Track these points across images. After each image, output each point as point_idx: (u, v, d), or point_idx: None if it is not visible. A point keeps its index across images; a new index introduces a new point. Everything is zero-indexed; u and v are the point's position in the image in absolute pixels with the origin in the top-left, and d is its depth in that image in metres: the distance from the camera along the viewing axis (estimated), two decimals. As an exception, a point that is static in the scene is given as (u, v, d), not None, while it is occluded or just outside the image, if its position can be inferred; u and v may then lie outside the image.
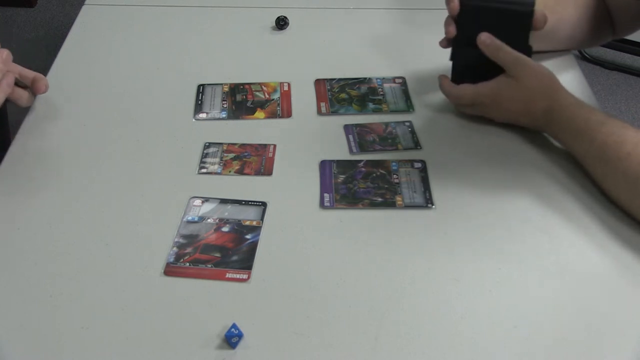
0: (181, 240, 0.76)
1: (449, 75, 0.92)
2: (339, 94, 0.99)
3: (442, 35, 0.90)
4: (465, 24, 0.88)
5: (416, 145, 0.90)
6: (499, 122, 0.90)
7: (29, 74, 0.91)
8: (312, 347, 0.66)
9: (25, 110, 0.91)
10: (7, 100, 0.87)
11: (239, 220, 0.79)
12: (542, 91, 0.85)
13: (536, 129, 0.88)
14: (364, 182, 0.84)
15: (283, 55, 1.07)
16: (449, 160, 0.87)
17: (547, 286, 0.72)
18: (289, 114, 0.96)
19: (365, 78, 1.02)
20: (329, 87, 1.00)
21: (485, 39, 0.86)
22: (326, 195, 0.82)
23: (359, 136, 0.91)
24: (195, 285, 0.72)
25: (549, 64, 0.91)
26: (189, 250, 0.75)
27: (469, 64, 0.89)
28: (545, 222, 0.79)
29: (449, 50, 0.91)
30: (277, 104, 0.97)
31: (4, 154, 0.87)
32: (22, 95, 0.88)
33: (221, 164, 0.87)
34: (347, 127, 0.93)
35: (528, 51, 0.87)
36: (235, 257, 0.74)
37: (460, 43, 0.89)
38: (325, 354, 0.65)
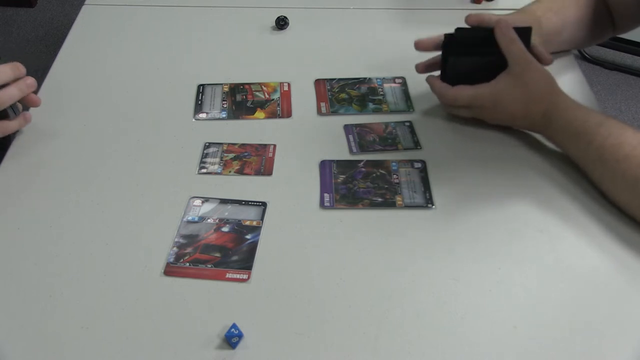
0: (181, 240, 0.76)
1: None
2: (339, 94, 0.99)
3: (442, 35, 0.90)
4: (461, 38, 0.87)
5: (416, 145, 0.90)
6: (492, 124, 0.90)
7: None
8: (312, 347, 0.66)
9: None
10: None
11: (239, 220, 0.79)
12: (542, 93, 0.84)
13: (533, 131, 0.88)
14: (364, 182, 0.84)
15: (283, 55, 1.08)
16: (449, 160, 0.87)
17: (547, 286, 0.72)
18: (289, 114, 0.96)
19: (365, 78, 1.02)
20: (329, 87, 1.00)
21: (503, 25, 0.85)
22: (326, 195, 0.82)
23: (359, 136, 0.91)
24: (195, 285, 0.72)
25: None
26: (189, 250, 0.75)
27: (461, 72, 0.89)
28: (545, 222, 0.79)
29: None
30: (277, 104, 0.97)
31: (4, 154, 0.88)
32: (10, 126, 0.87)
33: (221, 164, 0.87)
34: (347, 127, 0.93)
35: None
36: (235, 257, 0.74)
37: (454, 52, 0.89)
38: (325, 354, 0.65)
